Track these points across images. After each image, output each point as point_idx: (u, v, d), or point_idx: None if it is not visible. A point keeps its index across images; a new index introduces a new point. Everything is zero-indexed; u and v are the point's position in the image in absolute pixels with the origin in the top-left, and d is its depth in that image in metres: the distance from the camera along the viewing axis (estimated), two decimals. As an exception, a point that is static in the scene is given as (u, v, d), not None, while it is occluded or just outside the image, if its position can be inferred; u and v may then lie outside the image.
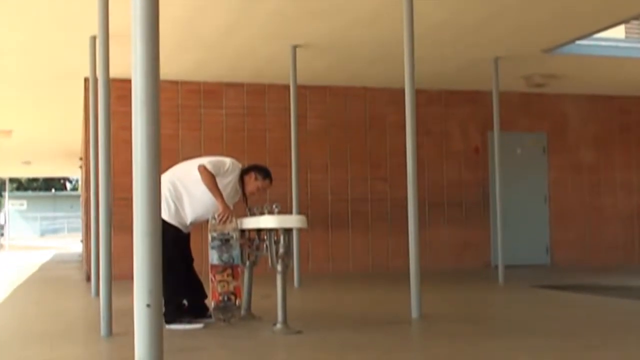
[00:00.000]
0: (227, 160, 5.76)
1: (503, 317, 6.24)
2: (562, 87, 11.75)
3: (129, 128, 9.78)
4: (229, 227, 5.55)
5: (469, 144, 12.08)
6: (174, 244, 5.60)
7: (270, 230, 5.21)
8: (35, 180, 51.79)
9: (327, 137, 11.50)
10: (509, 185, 10.82)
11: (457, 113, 12.05)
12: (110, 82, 10.72)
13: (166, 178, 5.75)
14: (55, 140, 17.60)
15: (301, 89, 10.81)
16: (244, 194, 5.90)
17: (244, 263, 5.97)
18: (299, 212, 9.02)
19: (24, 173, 32.28)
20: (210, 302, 5.64)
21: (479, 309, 6.94)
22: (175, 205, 5.62)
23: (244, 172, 5.85)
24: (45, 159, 22.14)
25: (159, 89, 2.37)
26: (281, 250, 5.09)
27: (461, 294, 8.20)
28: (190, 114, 11.01)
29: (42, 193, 52.71)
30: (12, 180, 48.15)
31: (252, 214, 5.81)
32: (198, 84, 11.04)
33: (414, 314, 5.94)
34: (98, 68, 6.42)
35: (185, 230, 5.75)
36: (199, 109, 11.06)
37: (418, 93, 11.21)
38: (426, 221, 11.48)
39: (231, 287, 5.49)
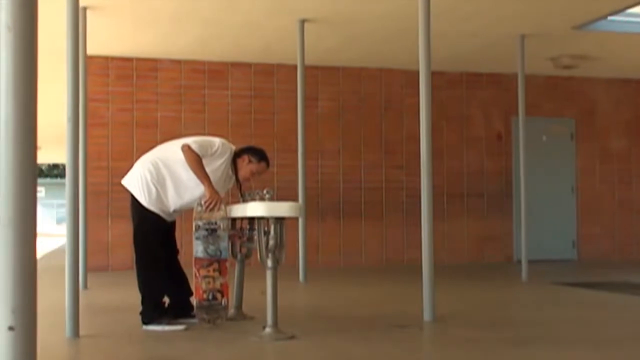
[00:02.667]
0: (217, 141, 5.07)
1: (527, 321, 5.53)
2: (592, 69, 11.00)
3: (129, 110, 9.14)
4: (217, 216, 4.87)
5: (491, 130, 11.39)
6: (154, 234, 4.95)
7: (260, 219, 4.53)
8: (56, 167, 51.59)
9: (340, 121, 10.84)
10: (533, 174, 10.24)
11: (478, 97, 11.36)
12: (108, 61, 10.22)
13: (147, 159, 5.09)
14: (61, 124, 17.02)
15: (312, 70, 10.22)
16: (237, 179, 5.22)
17: (234, 256, 5.31)
18: (306, 201, 8.35)
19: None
20: (194, 300, 4.97)
21: (500, 310, 6.23)
22: (157, 189, 4.95)
23: (236, 155, 5.17)
24: (55, 144, 21.60)
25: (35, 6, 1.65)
26: (271, 242, 4.41)
27: (481, 292, 7.50)
28: (193, 95, 10.38)
29: (60, 180, 52.47)
30: (31, 167, 47.88)
31: (245, 201, 5.13)
32: (202, 63, 10.40)
33: (427, 316, 5.26)
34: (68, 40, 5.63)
35: (168, 219, 5.08)
36: (203, 89, 10.44)
37: (437, 75, 10.72)
38: (444, 212, 10.87)
39: (217, 284, 4.82)
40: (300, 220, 8.31)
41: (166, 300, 5.10)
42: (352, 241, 10.75)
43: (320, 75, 10.66)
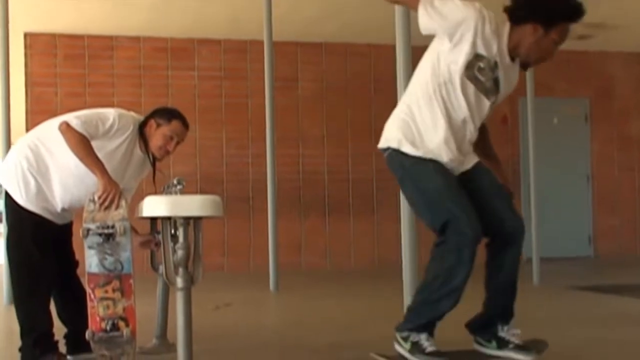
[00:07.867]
0: (111, 113, 3.72)
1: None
2: (610, 41, 9.98)
3: (80, 94, 7.70)
4: (114, 216, 3.57)
5: (495, 113, 9.93)
6: (35, 242, 3.65)
7: (165, 220, 3.26)
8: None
9: (324, 105, 9.76)
10: (543, 162, 9.22)
11: (480, 75, 10.13)
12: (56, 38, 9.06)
13: (25, 142, 3.80)
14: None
15: (290, 46, 9.22)
16: (153, 164, 3.91)
17: (155, 269, 4.05)
18: (275, 196, 7.11)
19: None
20: (89, 331, 3.65)
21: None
22: (37, 181, 3.66)
23: (141, 126, 3.83)
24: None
25: None
26: (179, 252, 3.14)
27: (484, 302, 6.24)
28: (155, 77, 9.30)
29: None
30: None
31: (167, 193, 3.80)
32: (164, 40, 9.33)
33: (409, 345, 3.98)
34: None
35: (58, 221, 3.79)
36: (166, 70, 9.39)
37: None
38: (442, 206, 9.68)
39: (119, 309, 3.53)
40: (270, 217, 7.13)
41: (59, 330, 3.83)
42: (339, 240, 9.73)
43: (300, 52, 9.59)
